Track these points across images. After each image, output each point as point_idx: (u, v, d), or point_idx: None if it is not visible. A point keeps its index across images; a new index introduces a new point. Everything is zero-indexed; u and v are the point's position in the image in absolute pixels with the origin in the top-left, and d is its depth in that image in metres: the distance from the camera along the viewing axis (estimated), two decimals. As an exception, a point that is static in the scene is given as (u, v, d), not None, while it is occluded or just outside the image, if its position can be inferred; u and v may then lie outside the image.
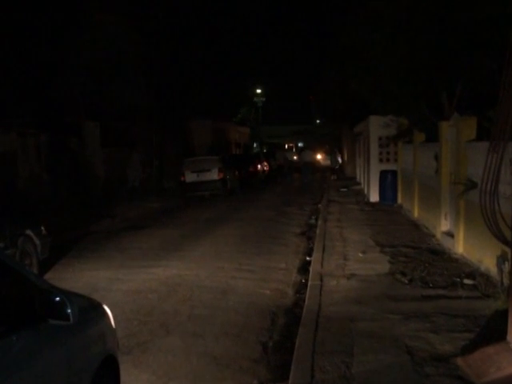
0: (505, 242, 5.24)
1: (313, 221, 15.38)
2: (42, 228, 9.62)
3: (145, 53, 27.00)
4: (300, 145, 80.00)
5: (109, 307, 4.20)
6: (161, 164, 29.99)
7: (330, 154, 49.03)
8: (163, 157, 30.07)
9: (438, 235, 10.88)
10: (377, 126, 17.87)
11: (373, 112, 17.27)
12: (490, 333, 5.38)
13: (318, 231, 12.85)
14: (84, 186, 21.26)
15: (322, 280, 8.12)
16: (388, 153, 18.41)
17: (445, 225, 10.68)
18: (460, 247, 9.32)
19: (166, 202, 22.28)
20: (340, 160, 46.96)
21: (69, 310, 3.12)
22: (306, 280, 8.51)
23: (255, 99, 69.35)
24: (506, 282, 6.64)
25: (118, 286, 8.71)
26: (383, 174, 17.55)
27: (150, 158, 29.23)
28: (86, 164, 22.29)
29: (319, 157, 58.50)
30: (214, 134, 39.57)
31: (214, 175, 23.23)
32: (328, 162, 48.02)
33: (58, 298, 3.12)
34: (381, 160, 18.49)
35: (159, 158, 29.84)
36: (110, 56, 24.07)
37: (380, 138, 18.33)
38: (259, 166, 36.93)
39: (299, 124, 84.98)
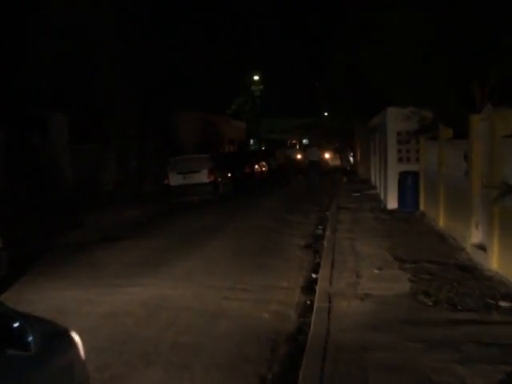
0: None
1: (320, 231, 15.38)
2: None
3: (123, 36, 27.02)
4: (305, 141, 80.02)
5: (78, 334, 4.18)
6: (141, 164, 30.00)
7: (340, 152, 49.17)
8: (144, 155, 30.05)
9: (468, 248, 10.88)
10: (395, 120, 17.88)
11: (390, 103, 17.27)
12: (529, 365, 5.36)
13: (325, 243, 12.84)
14: (49, 189, 21.23)
15: (330, 301, 8.10)
16: (408, 151, 18.41)
17: (476, 236, 10.68)
18: (494, 262, 9.31)
19: (147, 209, 22.24)
20: (352, 159, 47.11)
21: (29, 338, 3.09)
22: (312, 301, 8.49)
23: (252, 88, 69.49)
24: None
25: (90, 308, 8.67)
26: (403, 176, 17.55)
27: (128, 157, 29.24)
28: (52, 163, 22.26)
29: (327, 155, 58.63)
30: (203, 128, 39.63)
31: (203, 177, 23.23)
32: (337, 162, 48.09)
33: (16, 324, 3.09)
34: (400, 159, 18.49)
35: (139, 156, 29.84)
36: (82, 40, 24.07)
37: (399, 134, 18.33)
38: (256, 167, 36.98)
39: (304, 117, 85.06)
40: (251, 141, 70.35)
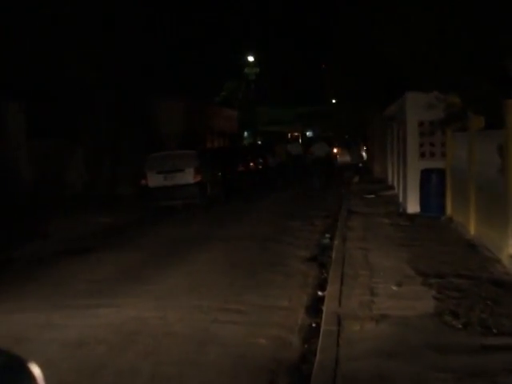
0: None
1: (327, 240, 15.42)
2: None
3: (90, 9, 26.91)
4: (309, 134, 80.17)
5: (39, 365, 4.14)
6: (114, 162, 29.94)
7: (350, 146, 49.22)
8: (117, 152, 30.00)
9: (505, 260, 10.86)
10: (417, 108, 17.86)
11: (411, 87, 17.27)
12: None
13: (334, 255, 12.85)
14: (3, 192, 21.16)
15: (339, 324, 8.09)
16: (432, 145, 18.42)
17: (514, 245, 10.67)
18: (535, 277, 9.30)
19: (122, 216, 22.22)
20: (365, 155, 47.15)
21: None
22: (318, 324, 8.48)
23: (246, 70, 69.54)
24: None
25: (53, 334, 8.64)
26: (426, 175, 17.55)
27: (99, 154, 29.18)
28: (7, 161, 22.19)
29: (335, 150, 58.70)
30: (188, 119, 39.64)
31: (188, 177, 23.23)
32: (347, 158, 48.14)
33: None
34: (422, 155, 18.51)
35: (111, 153, 29.78)
36: (41, 14, 23.98)
37: (421, 124, 18.35)
38: (252, 165, 37.00)
39: (307, 105, 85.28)
40: (245, 133, 70.42)
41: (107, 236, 18.10)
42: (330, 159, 36.79)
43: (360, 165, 41.21)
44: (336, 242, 14.27)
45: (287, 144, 58.34)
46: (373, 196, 23.96)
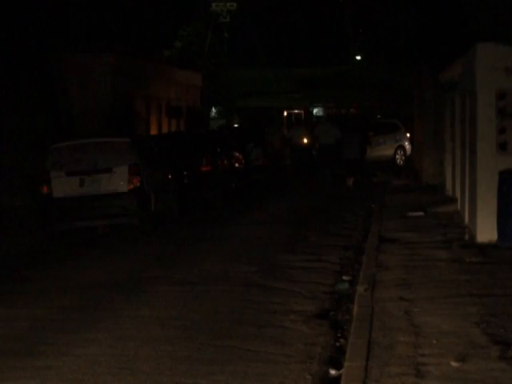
0: None
1: (345, 285, 15.53)
2: None
3: None
4: (316, 111, 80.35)
5: None
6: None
7: (382, 131, 49.54)
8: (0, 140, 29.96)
9: None
10: (493, 69, 17.90)
11: (483, 36, 17.31)
12: None
13: (356, 310, 12.92)
14: None
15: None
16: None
17: None
18: None
19: (7, 246, 22.15)
20: (408, 146, 47.29)
21: None
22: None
23: (214, 6, 69.49)
24: None
25: None
26: (508, 180, 17.53)
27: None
28: None
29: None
30: (118, 85, 39.54)
31: (119, 182, 23.12)
32: (383, 151, 48.40)
33: None
34: (503, 146, 18.50)
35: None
36: None
37: (501, 96, 18.35)
38: (223, 161, 37.05)
39: (315, 65, 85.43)
40: (213, 110, 70.51)
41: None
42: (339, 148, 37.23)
43: (400, 161, 41.46)
44: (360, 289, 14.31)
45: (283, 128, 58.56)
46: (421, 213, 23.99)
